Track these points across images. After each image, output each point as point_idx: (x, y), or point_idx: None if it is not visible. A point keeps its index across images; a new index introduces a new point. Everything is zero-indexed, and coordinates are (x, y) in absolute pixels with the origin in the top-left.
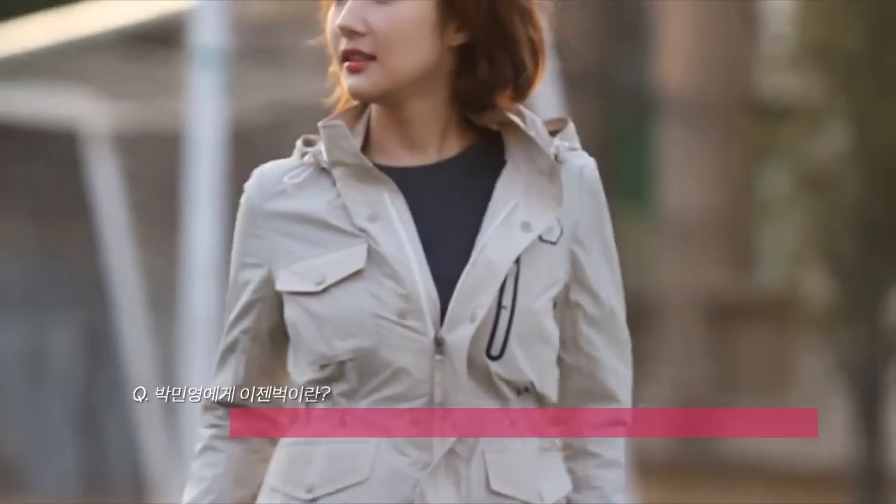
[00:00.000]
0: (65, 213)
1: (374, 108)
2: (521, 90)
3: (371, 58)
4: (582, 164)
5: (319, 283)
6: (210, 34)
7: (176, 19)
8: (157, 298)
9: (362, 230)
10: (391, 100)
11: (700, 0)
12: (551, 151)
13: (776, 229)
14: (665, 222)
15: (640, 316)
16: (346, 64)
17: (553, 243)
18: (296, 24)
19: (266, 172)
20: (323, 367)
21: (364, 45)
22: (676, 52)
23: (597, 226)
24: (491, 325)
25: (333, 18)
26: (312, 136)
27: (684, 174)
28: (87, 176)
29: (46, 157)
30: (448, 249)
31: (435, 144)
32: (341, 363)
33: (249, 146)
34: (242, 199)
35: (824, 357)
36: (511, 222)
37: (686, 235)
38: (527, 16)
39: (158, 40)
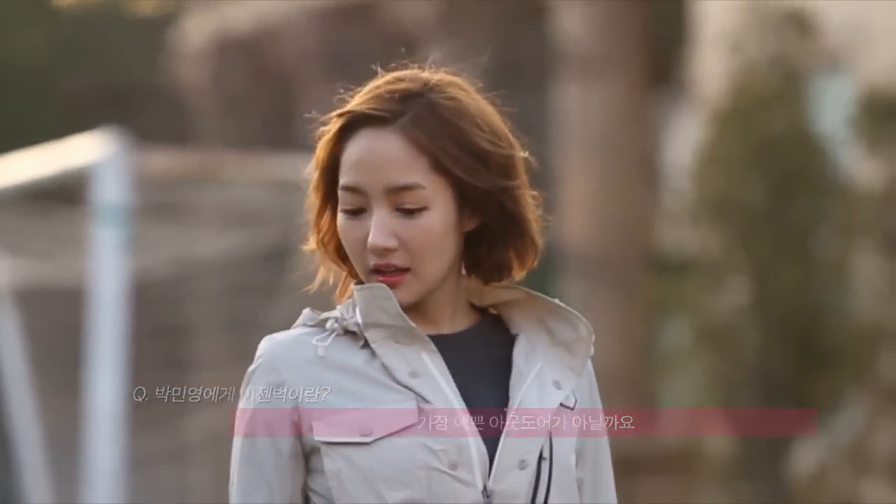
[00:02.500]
0: None
1: None
2: (529, 262)
3: (405, 270)
4: None
5: (367, 435)
6: (111, 191)
7: (78, 176)
8: (59, 454)
9: (406, 386)
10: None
11: (601, 155)
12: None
13: (677, 383)
14: None
15: None
16: (381, 278)
17: (570, 409)
18: (197, 181)
19: (282, 339)
20: None
21: (398, 260)
22: (577, 207)
23: (593, 401)
24: (534, 475)
25: (349, 228)
26: (315, 310)
27: None
28: None
29: None
30: (484, 404)
31: (446, 321)
32: None
33: (151, 301)
34: (257, 366)
35: None
36: (542, 380)
37: None
38: (530, 197)
39: (60, 197)
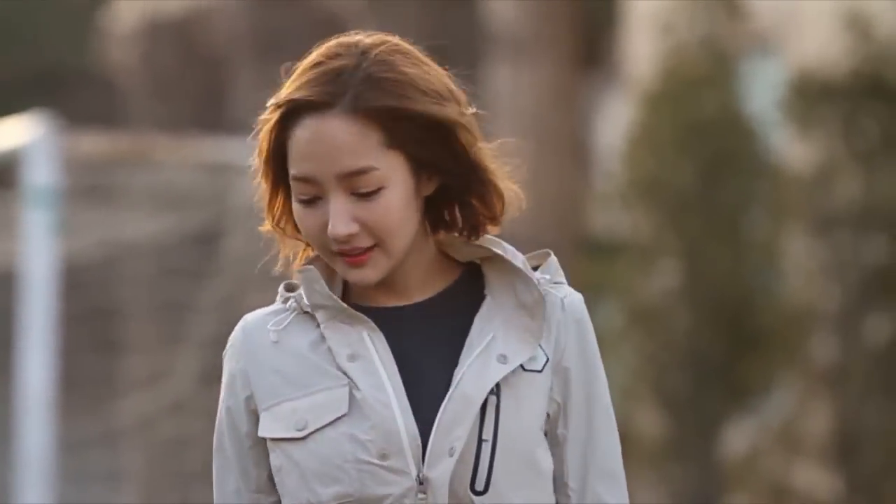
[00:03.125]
0: None
1: None
2: (500, 215)
3: (371, 247)
4: (563, 295)
5: (301, 430)
6: (41, 173)
7: (7, 159)
8: None
9: (343, 371)
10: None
11: (531, 137)
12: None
13: (608, 365)
14: None
15: None
16: (346, 259)
17: (538, 371)
18: (127, 163)
19: (250, 320)
20: None
21: (362, 241)
22: None
23: (581, 355)
24: (473, 458)
25: (306, 217)
26: (294, 282)
27: None
28: None
29: None
30: (428, 387)
31: (416, 287)
32: None
33: (82, 284)
34: (226, 350)
35: (657, 493)
36: (488, 354)
37: None
38: (487, 150)
39: None
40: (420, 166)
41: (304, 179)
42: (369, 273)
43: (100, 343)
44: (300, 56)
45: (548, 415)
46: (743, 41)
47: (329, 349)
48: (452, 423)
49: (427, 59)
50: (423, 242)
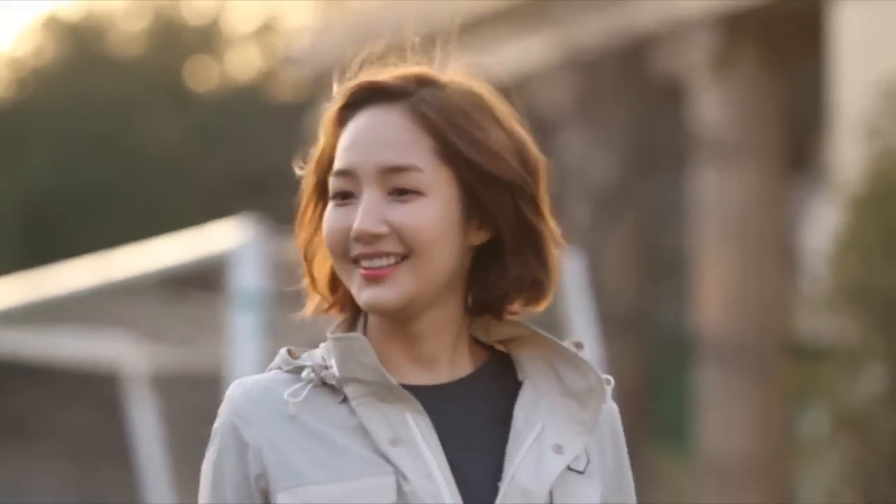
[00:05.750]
0: (104, 455)
1: (374, 321)
2: (545, 290)
3: (400, 259)
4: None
5: None
6: (248, 277)
7: (215, 262)
8: None
9: (385, 456)
10: (409, 312)
11: (737, 241)
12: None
13: (814, 470)
14: (704, 463)
15: None
16: (365, 272)
17: (580, 472)
18: None
19: (252, 386)
20: None
21: (388, 246)
22: (714, 294)
23: (619, 463)
24: None
25: (334, 218)
26: (295, 348)
27: (723, 415)
28: (127, 417)
29: (87, 399)
30: (476, 477)
31: (447, 361)
32: None
33: None
34: (222, 415)
35: None
36: (542, 445)
37: (725, 476)
38: (547, 211)
39: (197, 283)
40: (472, 201)
41: (344, 173)
42: (388, 294)
43: None
44: None
45: None
46: None
47: (363, 429)
48: None
49: (508, 117)
50: (459, 306)
